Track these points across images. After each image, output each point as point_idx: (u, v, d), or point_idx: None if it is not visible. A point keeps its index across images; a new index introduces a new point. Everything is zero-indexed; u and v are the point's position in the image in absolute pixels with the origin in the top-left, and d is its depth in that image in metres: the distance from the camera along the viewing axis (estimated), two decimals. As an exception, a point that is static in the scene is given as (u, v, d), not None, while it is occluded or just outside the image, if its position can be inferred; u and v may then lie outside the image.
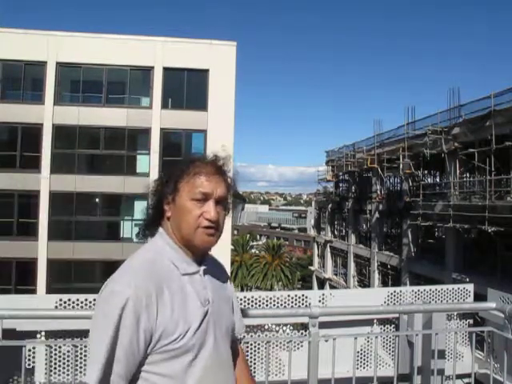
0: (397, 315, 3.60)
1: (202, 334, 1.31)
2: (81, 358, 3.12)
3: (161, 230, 1.41)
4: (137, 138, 20.53)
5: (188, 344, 1.27)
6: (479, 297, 4.01)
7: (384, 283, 24.91)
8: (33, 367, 3.10)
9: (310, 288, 35.37)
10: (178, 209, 1.34)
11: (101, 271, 19.24)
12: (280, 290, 40.21)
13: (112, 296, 1.23)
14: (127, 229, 19.69)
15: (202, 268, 1.39)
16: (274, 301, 3.47)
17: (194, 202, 1.32)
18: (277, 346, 3.44)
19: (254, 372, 3.25)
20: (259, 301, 3.42)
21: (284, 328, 3.61)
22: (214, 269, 1.46)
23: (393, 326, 3.73)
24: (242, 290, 42.22)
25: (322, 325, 3.03)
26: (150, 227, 1.45)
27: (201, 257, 1.40)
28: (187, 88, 19.92)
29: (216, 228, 1.34)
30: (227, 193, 1.38)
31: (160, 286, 1.26)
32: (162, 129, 19.62)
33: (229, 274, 1.59)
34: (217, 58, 19.77)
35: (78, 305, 3.14)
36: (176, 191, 1.34)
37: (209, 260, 1.44)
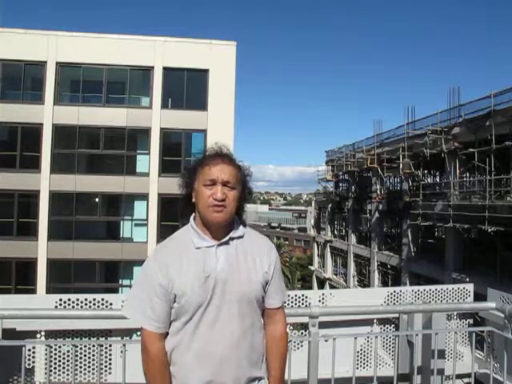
0: (397, 315, 3.60)
1: (201, 295, 1.65)
2: (81, 357, 3.12)
3: (192, 216, 1.80)
4: (137, 137, 20.52)
5: (189, 301, 1.65)
6: (479, 297, 4.00)
7: (384, 283, 24.91)
8: (33, 367, 3.09)
9: (310, 288, 35.36)
10: (196, 194, 1.74)
11: (101, 271, 19.25)
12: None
13: (146, 264, 1.75)
14: (127, 229, 19.68)
15: (216, 243, 1.72)
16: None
17: (205, 187, 1.70)
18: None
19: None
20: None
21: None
22: (240, 246, 1.76)
23: (393, 325, 3.73)
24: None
25: (322, 325, 3.03)
26: (185, 212, 1.82)
27: (221, 235, 1.73)
28: (187, 88, 19.91)
29: (224, 205, 1.68)
30: (232, 177, 1.71)
31: (174, 257, 1.69)
32: (161, 129, 19.62)
33: (271, 254, 1.84)
34: (217, 57, 19.77)
35: (77, 305, 3.13)
36: (195, 181, 1.75)
37: (237, 239, 1.77)
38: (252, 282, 1.74)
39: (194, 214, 1.79)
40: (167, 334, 1.72)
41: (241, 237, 1.78)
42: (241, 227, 1.81)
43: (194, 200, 1.76)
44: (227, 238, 1.74)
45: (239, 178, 1.76)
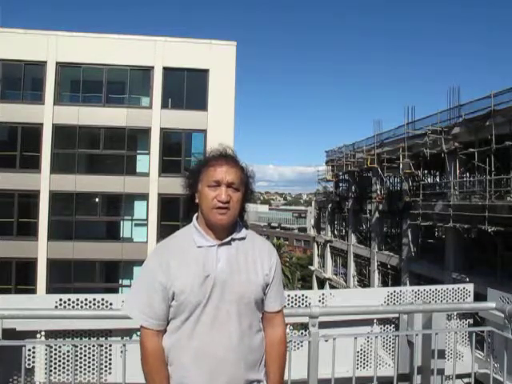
0: (397, 315, 3.60)
1: (199, 294, 1.65)
2: (81, 357, 3.12)
3: (195, 215, 1.80)
4: (137, 137, 20.53)
5: (188, 299, 1.65)
6: (479, 297, 4.00)
7: (384, 283, 24.90)
8: (33, 367, 3.09)
9: (310, 288, 35.36)
10: (200, 195, 1.73)
11: (101, 271, 19.26)
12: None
13: (146, 261, 1.77)
14: (127, 229, 19.68)
15: (218, 243, 1.72)
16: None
17: (209, 188, 1.69)
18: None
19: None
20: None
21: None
22: (242, 247, 1.76)
23: (393, 325, 3.73)
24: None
25: (322, 325, 3.03)
26: (189, 213, 1.83)
27: (223, 235, 1.73)
28: (187, 88, 19.91)
29: (227, 208, 1.68)
30: (237, 178, 1.71)
31: (175, 255, 1.70)
32: (161, 129, 19.63)
33: (272, 257, 1.83)
34: (217, 57, 19.77)
35: (77, 305, 3.13)
36: (198, 182, 1.74)
37: (239, 241, 1.77)
38: (252, 284, 1.73)
39: (196, 214, 1.80)
40: (166, 331, 1.72)
41: (243, 238, 1.78)
42: (243, 229, 1.81)
43: (197, 201, 1.76)
44: (229, 238, 1.74)
45: (243, 180, 1.75)
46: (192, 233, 1.75)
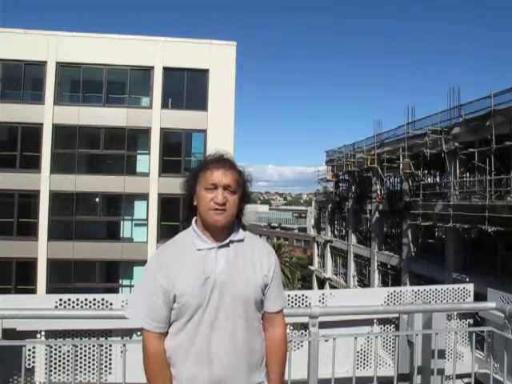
0: (397, 315, 3.60)
1: (199, 296, 1.67)
2: (81, 357, 3.12)
3: (194, 219, 1.83)
4: (137, 137, 20.52)
5: (189, 301, 1.67)
6: (479, 297, 4.00)
7: (384, 283, 24.90)
8: (33, 367, 3.10)
9: (310, 288, 35.36)
10: (197, 197, 1.76)
11: (101, 271, 19.25)
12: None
13: (147, 265, 1.79)
14: (127, 229, 19.67)
15: (216, 245, 1.74)
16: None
17: (206, 191, 1.72)
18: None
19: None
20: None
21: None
22: (240, 249, 1.79)
23: (393, 325, 3.73)
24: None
25: (322, 325, 3.03)
26: (188, 216, 1.85)
27: (221, 237, 1.75)
28: (187, 88, 19.90)
29: (224, 209, 1.71)
30: (233, 181, 1.74)
31: (175, 259, 1.72)
32: (162, 129, 19.62)
33: (271, 258, 1.85)
34: (217, 57, 19.76)
35: (77, 305, 3.14)
36: (196, 184, 1.77)
37: (237, 242, 1.79)
38: (251, 285, 1.75)
39: (195, 217, 1.83)
40: (168, 333, 1.73)
41: (241, 240, 1.81)
42: (241, 231, 1.83)
43: (195, 203, 1.79)
44: (227, 240, 1.76)
45: (240, 183, 1.78)
46: (191, 236, 1.78)
